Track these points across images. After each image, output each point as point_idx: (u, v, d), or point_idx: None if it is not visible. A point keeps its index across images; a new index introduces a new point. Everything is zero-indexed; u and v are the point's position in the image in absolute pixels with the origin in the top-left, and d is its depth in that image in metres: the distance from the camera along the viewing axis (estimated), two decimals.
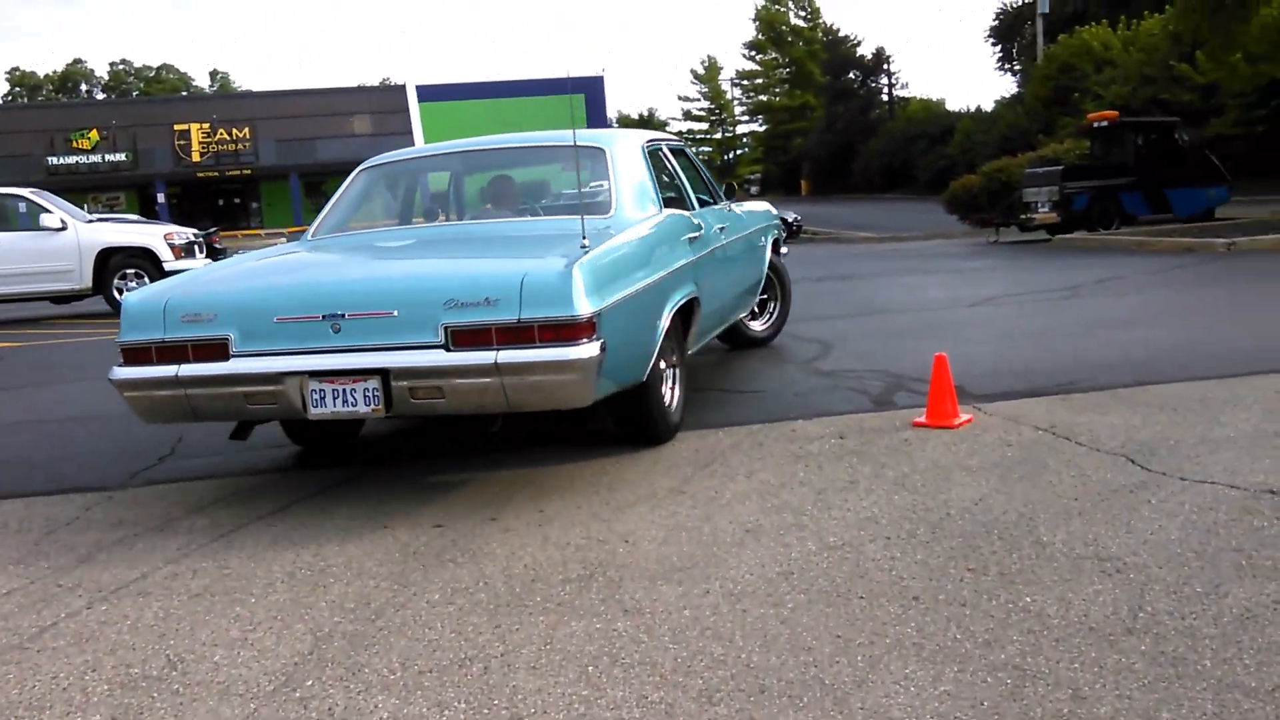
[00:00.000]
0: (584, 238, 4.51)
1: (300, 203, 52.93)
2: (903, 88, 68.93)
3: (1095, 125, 19.98)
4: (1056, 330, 8.08)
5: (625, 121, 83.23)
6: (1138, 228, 18.19)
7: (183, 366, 4.45)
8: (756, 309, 7.93)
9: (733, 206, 7.10)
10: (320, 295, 4.47)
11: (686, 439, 5.26)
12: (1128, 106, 33.57)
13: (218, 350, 4.42)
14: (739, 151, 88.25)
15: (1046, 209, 18.53)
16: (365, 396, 4.29)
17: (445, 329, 4.20)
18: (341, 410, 4.34)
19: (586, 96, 59.13)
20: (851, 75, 68.40)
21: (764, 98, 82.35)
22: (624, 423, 5.14)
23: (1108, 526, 3.62)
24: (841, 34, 71.39)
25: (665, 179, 6.11)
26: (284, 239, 24.28)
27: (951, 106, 59.48)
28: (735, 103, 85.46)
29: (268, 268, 5.38)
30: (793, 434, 5.24)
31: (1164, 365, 6.36)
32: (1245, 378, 5.81)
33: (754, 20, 79.40)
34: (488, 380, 4.15)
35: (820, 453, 4.85)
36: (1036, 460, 4.47)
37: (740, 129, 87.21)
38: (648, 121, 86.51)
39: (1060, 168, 19.37)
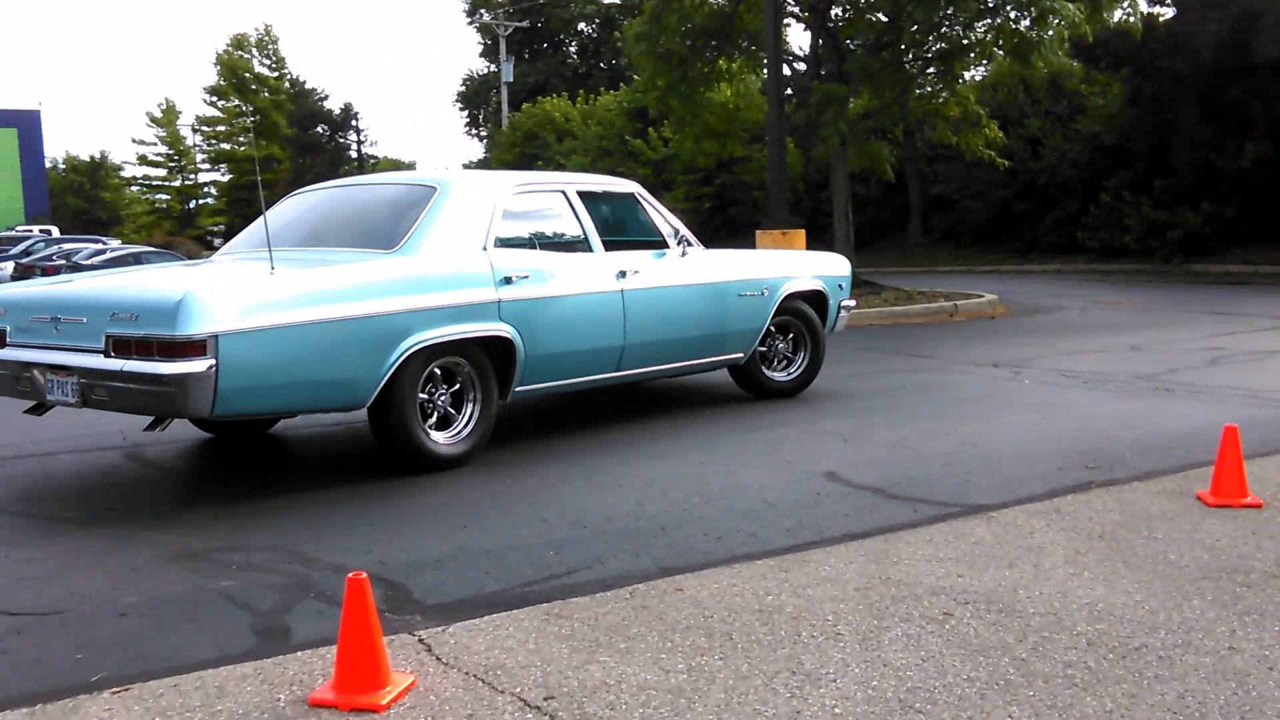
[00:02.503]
0: (272, 269, 5.17)
1: None
2: (372, 145, 67.46)
3: None
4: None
5: (72, 163, 74.46)
6: None
7: None
8: (788, 358, 7.97)
9: (691, 252, 7.15)
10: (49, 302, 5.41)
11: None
12: None
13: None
14: (201, 201, 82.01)
15: None
16: (69, 390, 5.10)
17: (107, 337, 4.90)
18: (63, 399, 5.16)
19: (19, 131, 51.81)
20: (320, 129, 65.74)
21: (227, 146, 77.17)
22: (382, 444, 5.62)
23: None
24: (309, 86, 68.52)
25: (538, 222, 6.48)
26: None
27: (424, 168, 58.76)
28: (196, 149, 79.47)
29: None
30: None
31: None
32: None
33: (215, 65, 74.18)
34: (122, 385, 4.83)
35: None
36: None
37: (203, 177, 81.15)
38: (100, 164, 77.83)
39: None
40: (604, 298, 6.43)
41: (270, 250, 5.36)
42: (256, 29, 77.68)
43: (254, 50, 74.15)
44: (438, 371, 5.69)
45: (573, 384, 6.51)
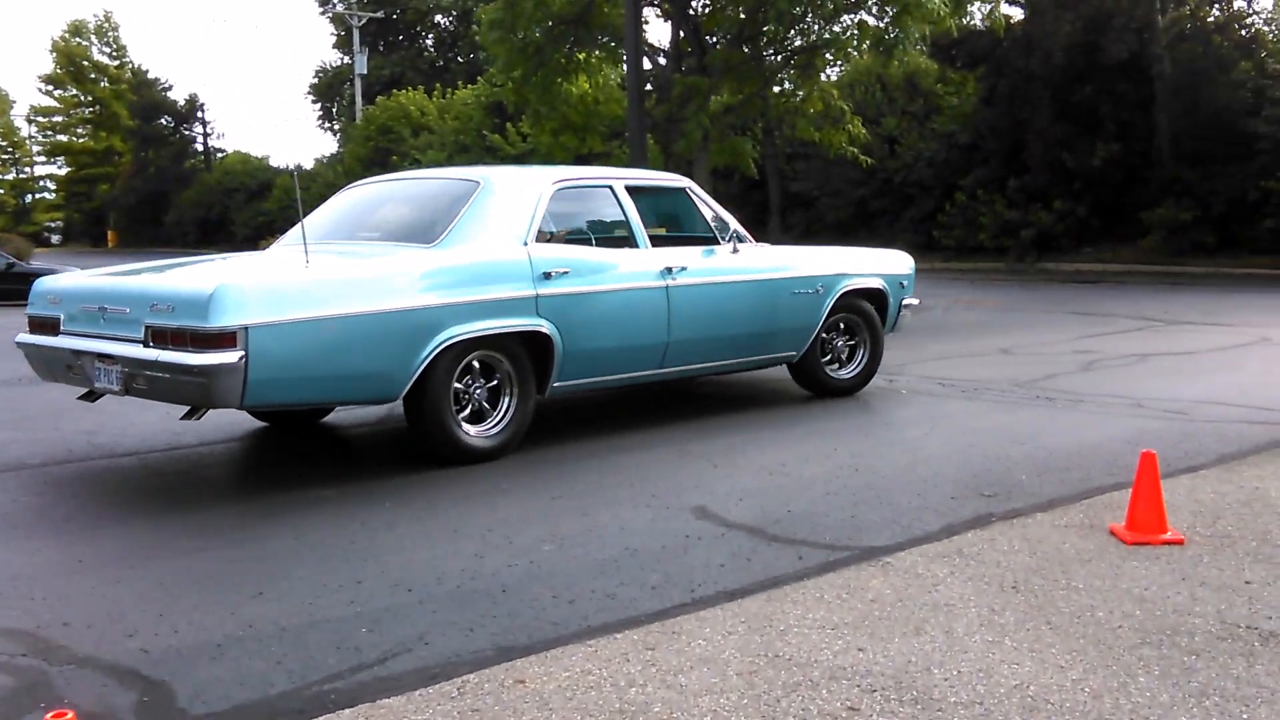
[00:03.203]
0: (306, 262, 5.35)
1: None
2: (219, 138, 64.78)
3: None
4: None
5: None
6: None
7: (34, 337, 5.78)
8: (845, 356, 7.81)
9: (745, 248, 7.06)
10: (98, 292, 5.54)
11: None
12: None
13: (53, 327, 5.64)
14: (37, 195, 77.66)
15: None
16: (114, 378, 5.20)
17: (146, 328, 5.00)
18: (109, 388, 5.27)
19: None
20: (164, 120, 62.72)
21: (64, 138, 73.19)
22: (416, 436, 5.69)
23: None
24: (152, 76, 65.25)
25: (583, 217, 6.60)
26: None
27: (276, 162, 56.61)
28: (31, 141, 75.16)
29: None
30: None
31: None
32: None
33: (51, 52, 70.12)
34: (159, 374, 4.91)
35: None
36: None
37: (39, 170, 76.83)
38: None
39: None
40: (647, 294, 6.38)
41: (305, 243, 5.55)
42: (95, 15, 73.96)
43: (93, 37, 70.53)
44: (475, 365, 5.71)
45: (613, 380, 6.51)
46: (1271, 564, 3.92)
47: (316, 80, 60.00)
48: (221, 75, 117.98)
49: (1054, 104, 26.55)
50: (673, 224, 7.30)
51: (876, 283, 7.81)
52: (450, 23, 56.27)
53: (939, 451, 5.90)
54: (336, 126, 58.18)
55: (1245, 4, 26.13)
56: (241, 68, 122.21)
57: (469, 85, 42.73)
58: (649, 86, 22.61)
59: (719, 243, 6.99)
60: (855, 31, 17.98)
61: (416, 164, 35.59)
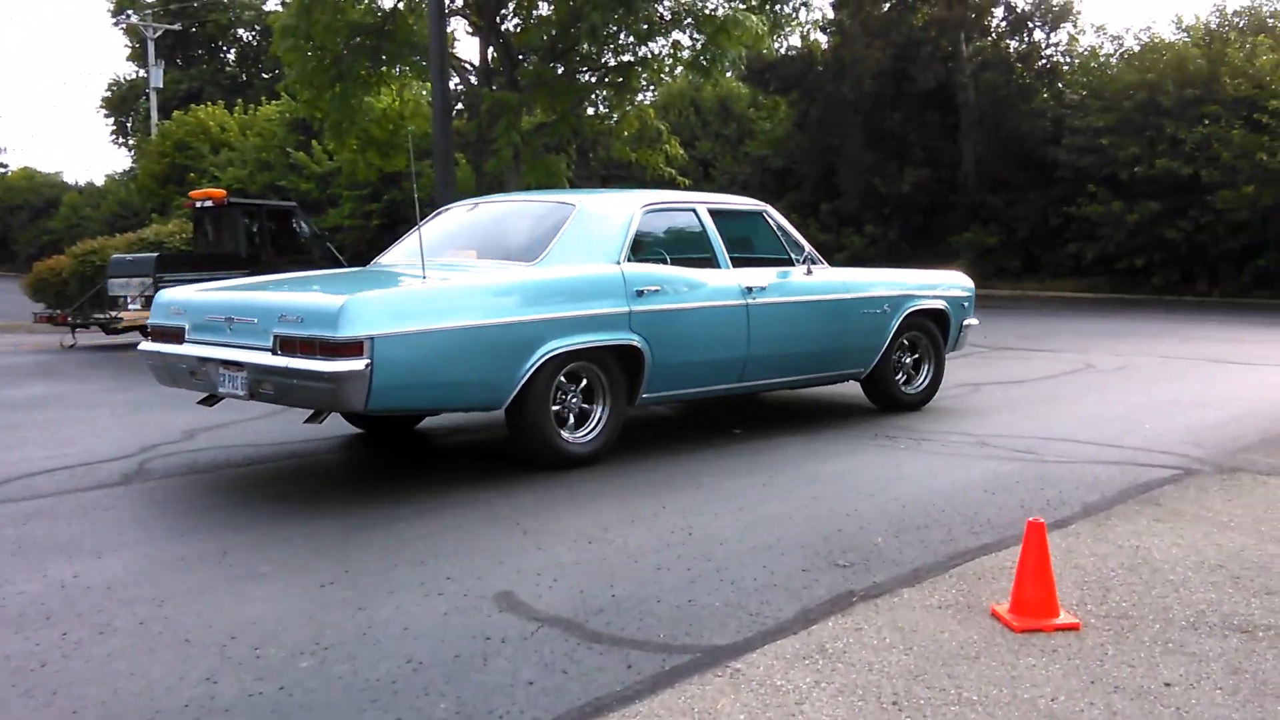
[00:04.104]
0: (424, 277, 5.76)
1: None
2: (2, 151, 60.26)
3: (199, 205, 16.50)
4: None
5: None
6: None
7: (158, 345, 6.13)
8: (911, 372, 8.11)
9: (817, 270, 7.38)
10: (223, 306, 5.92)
11: None
12: (245, 191, 31.24)
13: (177, 336, 5.99)
14: None
15: (138, 306, 14.59)
16: (239, 384, 5.52)
17: (275, 337, 5.33)
18: (233, 392, 5.60)
19: None
20: None
21: None
22: (515, 438, 6.04)
23: None
24: None
25: (669, 238, 6.91)
26: None
27: (70, 178, 52.88)
28: None
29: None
30: None
31: None
32: None
33: None
34: (287, 380, 5.25)
35: None
36: None
37: None
38: None
39: (155, 255, 15.61)
40: (730, 311, 6.71)
41: (423, 260, 5.88)
42: None
43: None
44: (570, 376, 6.05)
45: (696, 393, 6.85)
46: (1185, 655, 3.30)
47: (109, 94, 56.48)
48: (4, 87, 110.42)
49: (865, 130, 26.81)
50: (748, 246, 7.51)
51: (940, 304, 8.19)
52: (253, 37, 53.77)
53: (780, 508, 5.18)
54: (130, 141, 54.80)
55: (1045, 36, 26.90)
56: (27, 80, 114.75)
57: (273, 101, 40.65)
58: (460, 105, 21.63)
59: (793, 264, 7.30)
60: (671, 51, 17.46)
61: (215, 181, 33.46)
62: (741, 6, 16.67)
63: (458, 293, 5.74)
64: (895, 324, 7.76)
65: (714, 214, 7.07)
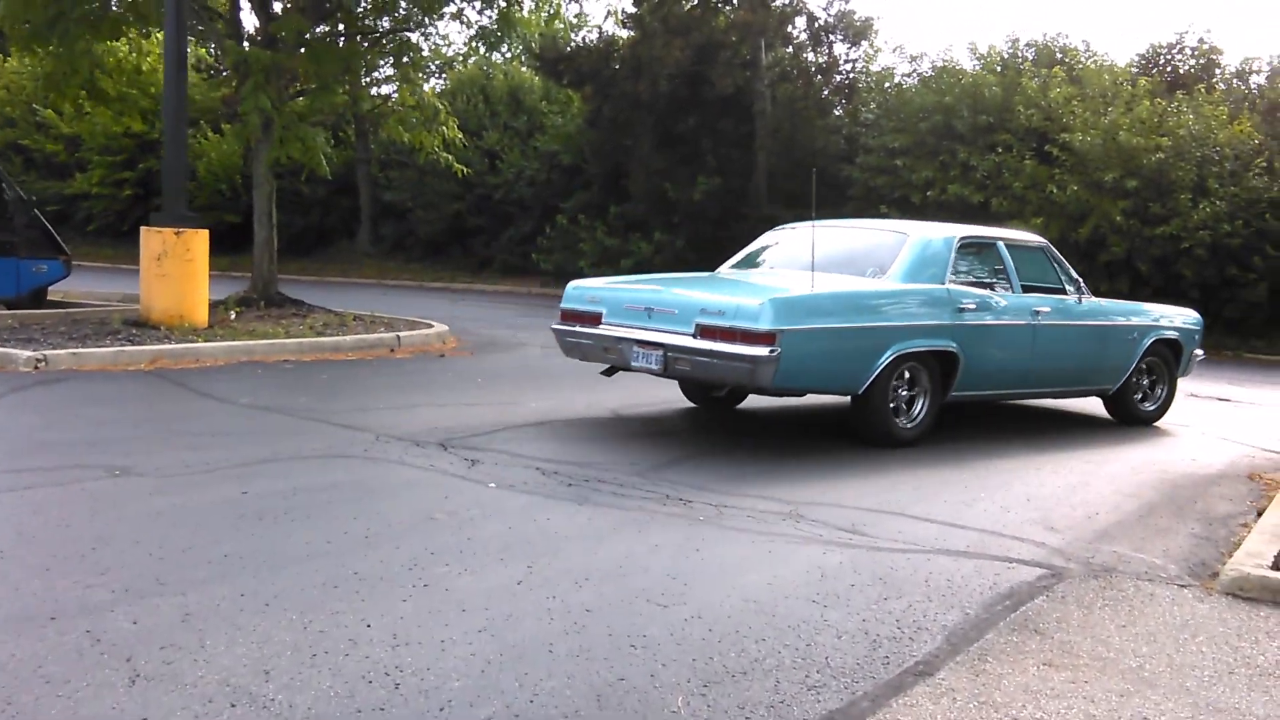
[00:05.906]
0: (813, 285, 7.02)
1: None
2: None
3: None
4: None
5: None
6: None
7: (577, 326, 7.71)
8: (1147, 390, 9.31)
9: (1085, 299, 8.73)
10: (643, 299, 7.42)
11: None
12: None
13: (594, 320, 7.58)
14: None
15: None
16: (654, 360, 7.03)
17: (696, 325, 6.86)
18: (646, 366, 7.11)
19: None
20: None
21: None
22: (859, 419, 7.37)
23: None
24: None
25: (976, 265, 8.15)
26: None
27: None
28: None
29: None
30: None
31: None
32: None
33: None
34: (707, 359, 6.77)
35: None
36: None
37: None
38: None
39: None
40: (1022, 330, 8.06)
41: (813, 271, 7.23)
42: None
43: None
44: (904, 374, 7.31)
45: (990, 395, 8.33)
46: None
47: None
48: None
49: (658, 132, 25.68)
50: (1031, 274, 8.44)
51: (1175, 334, 9.38)
52: None
53: (535, 630, 3.64)
54: None
55: (845, 50, 26.44)
56: None
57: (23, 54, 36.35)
58: (222, 69, 19.19)
59: (1066, 293, 8.58)
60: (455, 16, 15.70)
61: None
62: None
63: (840, 299, 7.12)
64: (1142, 349, 9.01)
65: (1009, 246, 8.38)
